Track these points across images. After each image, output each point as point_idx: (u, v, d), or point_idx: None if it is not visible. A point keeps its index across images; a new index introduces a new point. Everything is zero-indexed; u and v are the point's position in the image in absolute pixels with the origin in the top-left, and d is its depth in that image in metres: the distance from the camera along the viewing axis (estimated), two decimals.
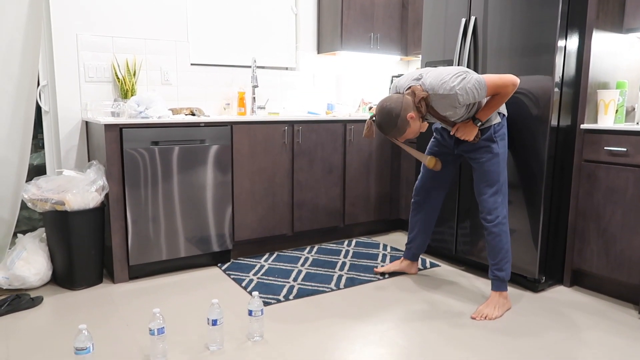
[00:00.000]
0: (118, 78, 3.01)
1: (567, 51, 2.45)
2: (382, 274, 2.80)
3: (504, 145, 2.36)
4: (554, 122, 2.47)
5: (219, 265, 2.96)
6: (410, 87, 2.22)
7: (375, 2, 3.70)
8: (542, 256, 2.57)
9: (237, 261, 3.02)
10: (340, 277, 2.77)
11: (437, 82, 2.15)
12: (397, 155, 3.60)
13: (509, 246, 2.37)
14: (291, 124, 3.11)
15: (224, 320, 2.19)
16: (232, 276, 2.77)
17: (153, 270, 2.78)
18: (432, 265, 3.00)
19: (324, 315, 2.30)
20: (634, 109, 2.68)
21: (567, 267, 2.66)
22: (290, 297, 2.49)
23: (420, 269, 2.92)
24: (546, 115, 2.45)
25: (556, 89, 2.44)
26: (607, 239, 2.46)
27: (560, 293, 2.59)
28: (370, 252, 3.23)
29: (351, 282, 2.69)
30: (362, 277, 2.76)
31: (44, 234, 2.67)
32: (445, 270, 2.93)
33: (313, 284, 2.66)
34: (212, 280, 2.72)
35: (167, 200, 2.72)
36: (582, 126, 2.52)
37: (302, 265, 2.96)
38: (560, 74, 2.45)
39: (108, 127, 2.53)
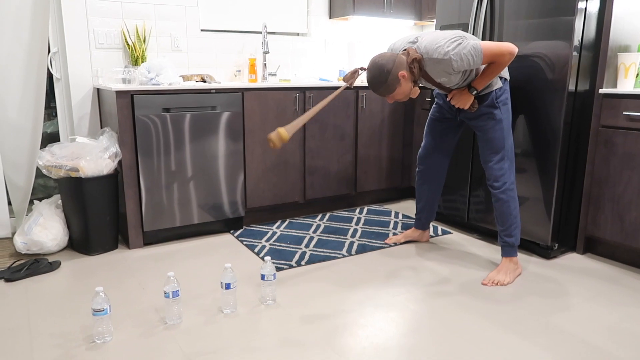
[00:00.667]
0: (128, 44, 2.98)
1: (587, 13, 2.37)
2: (394, 244, 2.81)
3: (507, 110, 2.30)
4: (571, 87, 2.41)
5: (231, 232, 2.99)
6: (405, 49, 2.17)
7: None
8: (555, 223, 2.55)
9: (249, 228, 3.05)
10: (351, 243, 2.79)
11: (432, 46, 2.09)
12: (410, 121, 3.56)
13: (518, 212, 2.36)
14: (302, 90, 3.08)
15: (237, 285, 2.23)
16: (244, 242, 2.80)
17: (167, 237, 2.82)
18: (444, 232, 3.00)
19: (335, 280, 2.32)
20: None
21: (580, 234, 2.64)
22: (302, 262, 2.52)
23: (432, 236, 2.93)
24: (563, 80, 2.39)
25: (575, 53, 2.37)
26: (622, 206, 2.43)
27: (573, 260, 2.58)
28: (382, 219, 3.23)
29: (362, 249, 2.71)
30: (373, 244, 2.78)
31: (60, 200, 2.71)
32: (457, 237, 2.93)
33: (325, 250, 2.69)
34: (225, 247, 2.76)
35: (179, 167, 2.73)
36: (601, 91, 2.46)
37: (314, 232, 2.98)
38: (580, 37, 2.38)
39: (119, 93, 2.53)
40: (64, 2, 2.82)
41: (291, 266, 2.47)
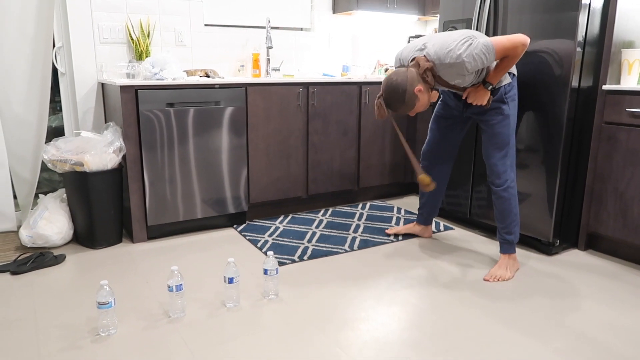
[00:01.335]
0: (132, 39, 2.99)
1: (591, 8, 2.36)
2: (396, 235, 2.82)
3: (515, 106, 2.29)
4: (574, 83, 2.41)
5: (234, 226, 3.00)
6: (414, 58, 2.12)
7: None
8: (557, 219, 2.56)
9: (252, 223, 3.07)
10: (354, 239, 2.80)
11: (443, 50, 2.05)
12: (413, 117, 3.56)
13: (517, 209, 2.36)
14: (306, 85, 3.08)
15: (240, 279, 2.25)
16: (247, 237, 2.81)
17: (170, 231, 2.84)
18: (446, 228, 3.01)
19: (337, 275, 2.34)
20: None
21: (582, 230, 2.65)
22: (305, 257, 2.53)
23: (434, 232, 2.94)
24: (567, 76, 2.39)
25: (578, 49, 2.37)
26: (624, 202, 2.43)
27: (575, 256, 2.59)
28: (384, 215, 3.24)
29: (365, 244, 2.72)
30: (375, 240, 2.79)
31: (65, 194, 2.73)
32: (460, 233, 2.94)
33: (327, 245, 2.70)
34: (228, 241, 2.77)
35: (183, 161, 2.75)
36: (604, 87, 2.45)
37: (317, 227, 2.99)
38: (584, 33, 2.37)
39: (124, 88, 2.54)
40: None
41: (294, 261, 2.49)
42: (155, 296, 2.12)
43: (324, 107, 3.17)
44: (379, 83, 3.37)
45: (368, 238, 2.81)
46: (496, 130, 2.28)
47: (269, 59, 3.44)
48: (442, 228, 3.00)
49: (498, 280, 2.28)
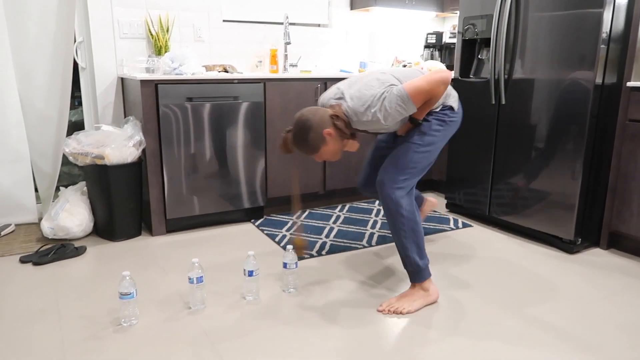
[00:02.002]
0: (152, 34, 3.01)
1: (616, 4, 2.32)
2: None
3: (443, 136, 2.00)
4: (598, 80, 2.37)
5: (252, 221, 3.01)
6: (331, 105, 1.92)
7: None
8: (579, 217, 2.52)
9: (270, 217, 3.07)
10: (372, 234, 2.79)
11: (359, 108, 1.84)
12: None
13: (416, 227, 1.97)
14: (324, 81, 3.08)
15: (259, 273, 2.25)
16: (265, 232, 2.82)
17: (188, 225, 2.86)
18: (465, 225, 2.99)
19: (355, 270, 2.33)
20: None
21: (604, 228, 2.61)
22: (323, 252, 2.53)
23: (452, 229, 2.92)
24: (590, 73, 2.35)
25: (602, 45, 2.33)
26: None
27: (597, 255, 2.56)
28: None
29: (383, 240, 2.71)
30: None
31: (85, 187, 2.76)
32: (478, 230, 2.92)
33: (345, 240, 2.70)
34: (246, 235, 2.78)
35: (201, 155, 2.76)
36: (629, 84, 2.42)
37: (334, 222, 2.99)
38: (608, 29, 2.34)
39: (144, 83, 2.56)
40: None
41: (312, 256, 2.49)
42: (175, 288, 2.13)
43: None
44: None
45: (386, 234, 2.80)
46: (403, 151, 1.97)
47: (286, 55, 3.44)
48: (460, 225, 2.98)
49: (394, 312, 1.94)
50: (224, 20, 3.29)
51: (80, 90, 3.08)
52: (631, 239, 2.56)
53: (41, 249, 2.45)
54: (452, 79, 1.77)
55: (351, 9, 3.73)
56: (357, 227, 2.90)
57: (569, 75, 2.44)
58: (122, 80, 3.00)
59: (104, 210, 2.64)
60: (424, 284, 2.00)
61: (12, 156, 2.73)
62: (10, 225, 2.77)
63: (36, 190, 2.91)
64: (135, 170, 2.66)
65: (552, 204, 2.58)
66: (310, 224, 2.96)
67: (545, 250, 2.60)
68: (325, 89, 3.08)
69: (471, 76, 3.03)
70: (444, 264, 2.42)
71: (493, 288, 2.17)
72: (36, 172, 2.85)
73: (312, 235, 2.76)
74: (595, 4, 2.30)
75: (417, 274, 1.99)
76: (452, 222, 3.04)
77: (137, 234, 2.74)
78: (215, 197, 2.85)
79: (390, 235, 2.77)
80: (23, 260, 2.37)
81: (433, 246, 2.66)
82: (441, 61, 3.91)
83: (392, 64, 3.83)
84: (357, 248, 2.60)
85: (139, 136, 2.61)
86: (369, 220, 3.03)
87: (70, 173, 3.44)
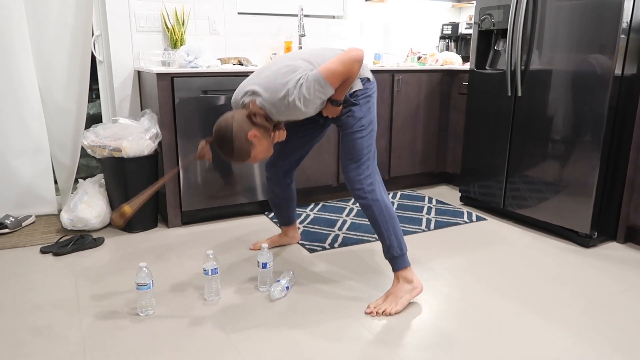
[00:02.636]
0: (167, 27, 3.03)
1: None
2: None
3: (369, 109, 2.00)
4: (617, 71, 2.33)
5: (266, 213, 3.04)
6: (245, 103, 1.88)
7: None
8: (596, 211, 2.49)
9: None
10: None
11: (275, 99, 1.80)
12: (446, 106, 3.52)
13: (390, 213, 1.98)
14: None
15: (272, 265, 2.27)
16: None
17: (203, 217, 2.89)
18: (479, 219, 2.97)
19: (369, 263, 2.34)
20: None
21: (621, 222, 2.57)
22: (336, 245, 2.54)
23: (465, 222, 2.90)
24: (609, 64, 2.31)
25: (623, 35, 2.29)
26: None
27: (613, 249, 2.52)
28: (415, 204, 3.22)
29: None
30: (406, 229, 2.78)
31: (103, 179, 2.81)
32: (492, 224, 2.90)
33: (358, 233, 2.70)
34: (260, 228, 2.81)
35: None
36: None
37: (347, 215, 3.00)
38: (629, 18, 2.29)
39: (160, 76, 2.58)
40: None
41: (325, 248, 2.50)
42: (191, 279, 2.16)
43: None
44: (412, 71, 3.33)
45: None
46: (351, 143, 1.98)
47: (301, 47, 3.44)
48: (474, 218, 2.97)
49: (383, 314, 1.90)
50: (238, 13, 3.30)
51: (97, 84, 3.13)
52: None
53: (61, 240, 2.51)
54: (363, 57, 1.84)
55: (366, 0, 3.70)
56: None
57: (588, 66, 2.40)
58: (139, 73, 3.03)
59: (121, 202, 2.68)
60: (407, 273, 1.97)
61: (32, 148, 2.79)
62: (31, 216, 2.84)
63: (55, 182, 2.97)
64: (152, 162, 2.70)
65: (568, 197, 2.55)
66: (323, 216, 2.97)
67: (561, 244, 2.58)
68: None
69: (487, 68, 2.99)
70: (458, 258, 2.41)
71: (509, 282, 2.16)
72: (55, 164, 2.91)
73: (325, 228, 2.77)
74: None
75: (399, 259, 1.97)
76: (466, 215, 3.02)
77: (153, 225, 2.78)
78: (230, 190, 2.88)
79: (403, 229, 2.77)
80: (43, 251, 2.43)
81: (447, 239, 2.65)
82: (457, 52, 3.87)
83: (407, 56, 3.80)
84: (369, 241, 2.61)
85: (155, 129, 2.64)
86: None
87: (88, 165, 3.50)
